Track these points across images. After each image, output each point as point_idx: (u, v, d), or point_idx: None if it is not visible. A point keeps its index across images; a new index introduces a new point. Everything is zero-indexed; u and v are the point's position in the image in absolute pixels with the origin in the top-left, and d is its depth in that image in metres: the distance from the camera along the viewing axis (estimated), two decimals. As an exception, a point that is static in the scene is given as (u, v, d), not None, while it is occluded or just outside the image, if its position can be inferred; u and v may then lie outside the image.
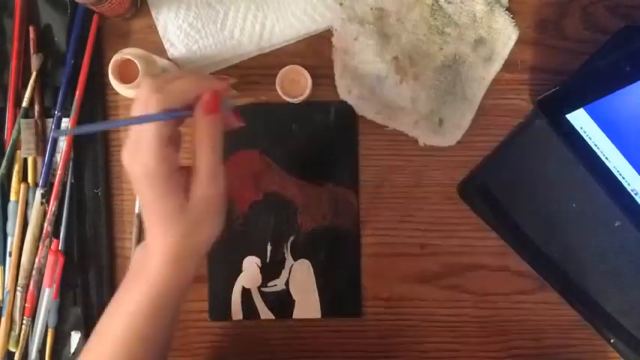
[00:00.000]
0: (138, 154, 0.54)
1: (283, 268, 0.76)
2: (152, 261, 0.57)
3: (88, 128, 0.73)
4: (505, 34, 0.72)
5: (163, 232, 0.56)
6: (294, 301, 0.76)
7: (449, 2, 0.72)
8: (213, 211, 0.57)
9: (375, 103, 0.73)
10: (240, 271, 0.76)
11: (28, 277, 0.74)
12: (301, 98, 0.72)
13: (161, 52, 0.75)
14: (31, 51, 0.74)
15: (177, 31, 0.74)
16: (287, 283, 0.76)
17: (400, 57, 0.72)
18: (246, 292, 0.76)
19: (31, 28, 0.74)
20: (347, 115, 0.75)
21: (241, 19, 0.74)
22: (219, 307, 0.76)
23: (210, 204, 0.57)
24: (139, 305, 0.57)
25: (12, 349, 0.74)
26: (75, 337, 0.76)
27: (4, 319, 0.74)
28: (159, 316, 0.58)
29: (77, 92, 0.73)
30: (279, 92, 0.72)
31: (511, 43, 0.73)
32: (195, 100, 0.56)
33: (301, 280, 0.76)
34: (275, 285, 0.76)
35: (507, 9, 0.73)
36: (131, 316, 0.58)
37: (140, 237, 0.76)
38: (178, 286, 0.58)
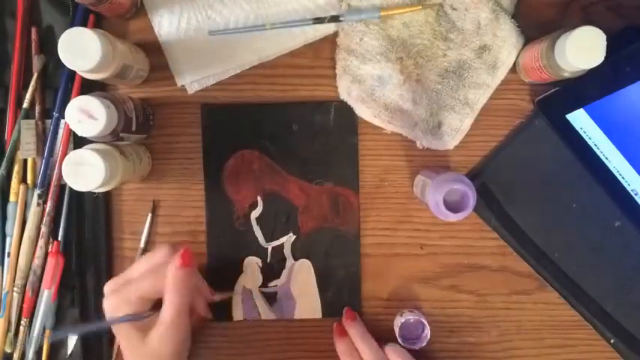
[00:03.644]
0: (112, 301, 0.65)
1: (284, 268, 0.76)
2: None
3: (64, 333, 0.76)
4: (510, 43, 0.72)
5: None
6: (294, 301, 0.76)
7: (453, 9, 0.72)
8: (170, 354, 0.64)
9: (374, 106, 0.74)
10: (240, 271, 0.76)
11: (25, 277, 0.74)
12: None
13: (160, 52, 0.75)
14: (33, 52, 0.74)
15: (179, 45, 0.74)
16: (288, 284, 0.76)
17: (405, 59, 0.72)
18: (247, 293, 0.76)
19: (33, 29, 0.74)
20: (347, 114, 0.75)
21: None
22: (220, 308, 0.76)
23: (166, 344, 0.64)
24: None
25: (8, 350, 0.74)
26: (72, 338, 0.76)
27: (2, 320, 0.74)
28: None
29: (73, 93, 0.74)
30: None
31: (515, 52, 0.72)
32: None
33: (302, 281, 0.76)
34: (276, 285, 0.76)
35: (513, 16, 0.72)
36: None
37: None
38: None
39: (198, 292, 0.71)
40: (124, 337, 0.65)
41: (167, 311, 0.63)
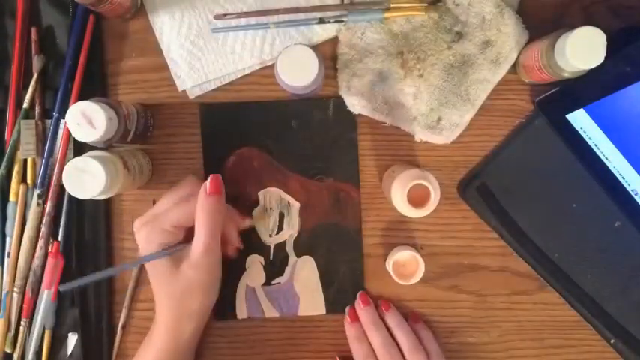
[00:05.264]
0: (144, 232, 0.66)
1: (286, 265, 0.76)
2: (155, 328, 0.68)
3: (90, 278, 0.69)
4: (513, 38, 0.72)
5: (161, 296, 0.67)
6: (298, 297, 0.76)
7: (456, 4, 0.72)
8: (204, 282, 0.66)
9: (373, 99, 0.74)
10: (243, 269, 0.76)
11: (25, 277, 0.74)
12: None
13: (159, 53, 0.75)
14: (33, 52, 0.74)
15: (180, 50, 0.74)
16: (291, 280, 0.76)
17: (406, 53, 0.73)
18: (250, 291, 0.76)
19: (33, 30, 0.74)
20: (346, 110, 0.75)
21: (242, 34, 0.74)
22: (224, 307, 0.76)
23: (200, 272, 0.65)
24: None
25: (8, 350, 0.74)
26: (72, 338, 0.76)
27: (2, 320, 0.74)
28: None
29: (73, 93, 0.73)
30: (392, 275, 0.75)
31: (519, 47, 0.72)
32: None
33: (305, 277, 0.76)
34: (279, 282, 0.76)
35: (517, 12, 0.73)
36: None
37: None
38: (178, 347, 0.68)
39: (229, 219, 0.71)
40: (157, 272, 0.66)
41: (200, 238, 0.64)
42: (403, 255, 0.74)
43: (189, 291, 0.66)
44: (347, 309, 0.76)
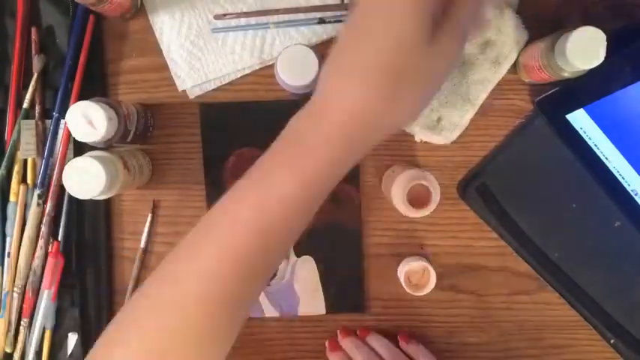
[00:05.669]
0: None
1: (287, 265, 0.76)
2: (321, 127, 0.43)
3: None
4: (513, 38, 0.72)
5: (361, 80, 0.42)
6: (298, 297, 0.76)
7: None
8: (443, 74, 0.45)
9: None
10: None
11: (25, 277, 0.74)
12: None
13: (159, 53, 0.75)
14: (33, 52, 0.73)
15: (180, 50, 0.74)
16: (291, 280, 0.76)
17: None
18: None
19: (33, 30, 0.73)
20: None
21: (242, 34, 0.74)
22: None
23: (450, 58, 0.44)
24: (291, 188, 0.44)
25: (8, 351, 0.74)
26: (72, 338, 0.76)
27: (2, 320, 0.74)
28: (308, 209, 0.46)
29: (73, 93, 0.73)
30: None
31: (518, 48, 0.72)
32: None
33: (305, 277, 0.76)
34: (279, 282, 0.76)
35: (517, 12, 0.73)
36: (277, 203, 0.44)
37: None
38: (336, 176, 0.46)
39: None
40: (393, 26, 0.42)
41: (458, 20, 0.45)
42: (415, 266, 0.74)
43: (422, 79, 0.43)
44: (327, 342, 0.76)
